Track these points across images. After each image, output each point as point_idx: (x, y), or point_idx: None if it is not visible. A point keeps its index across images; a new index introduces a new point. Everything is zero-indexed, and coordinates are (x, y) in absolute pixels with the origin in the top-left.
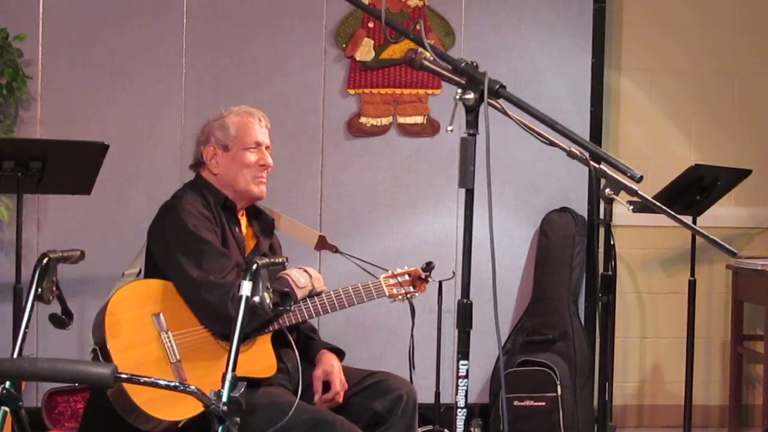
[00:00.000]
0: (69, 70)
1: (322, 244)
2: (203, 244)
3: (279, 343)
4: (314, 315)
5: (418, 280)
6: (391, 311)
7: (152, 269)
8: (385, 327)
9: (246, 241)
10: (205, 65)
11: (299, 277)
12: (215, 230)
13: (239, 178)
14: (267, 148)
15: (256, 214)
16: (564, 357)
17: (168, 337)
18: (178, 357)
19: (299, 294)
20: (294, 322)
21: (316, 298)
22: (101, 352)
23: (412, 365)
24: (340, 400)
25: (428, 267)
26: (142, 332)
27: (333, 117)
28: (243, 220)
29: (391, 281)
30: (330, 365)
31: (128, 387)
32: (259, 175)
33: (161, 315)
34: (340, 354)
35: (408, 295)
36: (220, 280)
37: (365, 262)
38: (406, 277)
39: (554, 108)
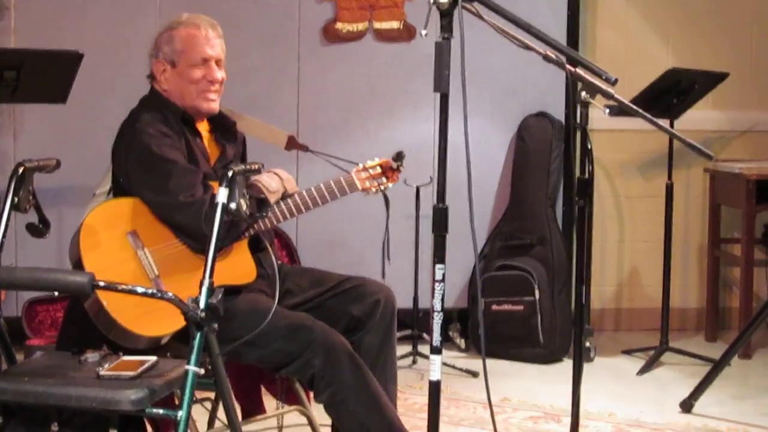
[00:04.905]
0: None
1: (292, 144)
2: (169, 164)
3: (256, 248)
4: (288, 216)
5: (390, 171)
6: (369, 217)
7: (120, 190)
8: (362, 233)
9: (210, 150)
10: None
11: (270, 182)
12: (178, 146)
13: (185, 94)
14: (218, 61)
15: (218, 119)
16: (542, 261)
17: (145, 253)
18: (156, 272)
19: (272, 198)
20: (269, 226)
21: (289, 199)
22: None
23: (386, 255)
24: None
25: (399, 156)
26: (119, 252)
27: (308, 23)
28: (204, 129)
29: (363, 174)
30: None
31: (109, 306)
32: (206, 90)
33: (136, 232)
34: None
35: (381, 187)
36: (190, 199)
37: (337, 158)
38: (378, 169)
39: (530, 12)
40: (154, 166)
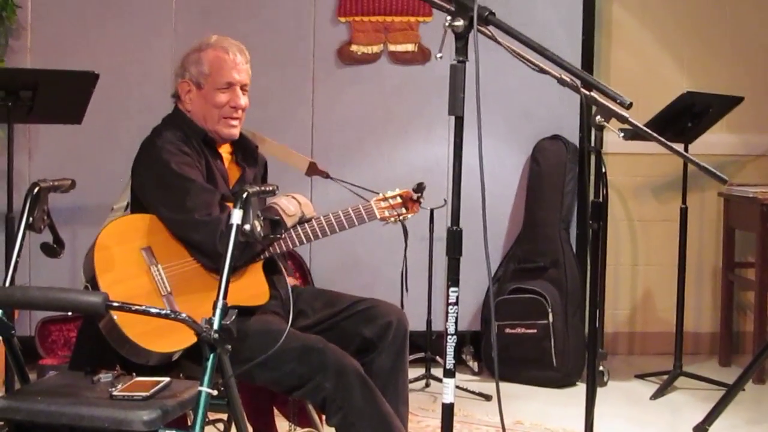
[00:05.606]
0: None
1: (313, 170)
2: (187, 183)
3: (271, 270)
4: (305, 241)
5: (410, 202)
6: (383, 239)
7: (138, 205)
8: (376, 255)
9: (230, 172)
10: None
11: (288, 205)
12: (198, 166)
13: (208, 117)
14: (244, 86)
15: (239, 142)
16: (555, 284)
17: (158, 270)
18: (168, 289)
19: (289, 222)
20: (285, 249)
21: (306, 224)
22: (92, 289)
23: (405, 287)
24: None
25: (419, 188)
26: (132, 266)
27: (323, 45)
28: (225, 151)
29: (383, 204)
30: None
31: (120, 320)
32: (228, 116)
33: (150, 248)
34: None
35: (400, 217)
36: (206, 218)
37: (357, 186)
38: (398, 199)
39: (545, 35)
40: (171, 183)
